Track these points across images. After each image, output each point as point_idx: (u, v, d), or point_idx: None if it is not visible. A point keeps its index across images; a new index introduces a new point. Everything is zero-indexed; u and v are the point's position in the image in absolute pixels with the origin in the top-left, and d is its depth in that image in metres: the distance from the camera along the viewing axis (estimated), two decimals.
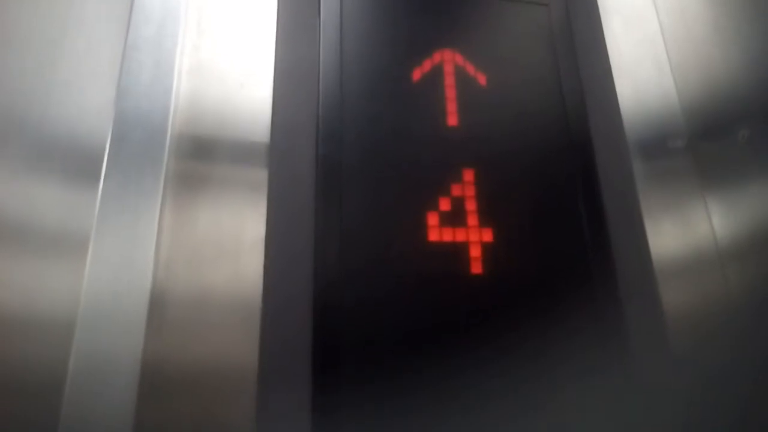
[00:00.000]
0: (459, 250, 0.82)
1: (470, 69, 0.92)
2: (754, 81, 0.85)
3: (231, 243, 0.74)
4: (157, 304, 0.68)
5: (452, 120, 0.88)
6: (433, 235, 0.81)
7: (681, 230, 0.88)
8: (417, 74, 0.89)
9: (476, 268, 0.81)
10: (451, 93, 0.90)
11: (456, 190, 0.84)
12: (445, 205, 0.83)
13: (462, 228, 0.83)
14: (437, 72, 0.90)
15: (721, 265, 0.85)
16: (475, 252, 0.82)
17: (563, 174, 0.88)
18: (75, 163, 0.72)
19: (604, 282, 0.83)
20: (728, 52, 0.90)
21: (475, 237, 0.83)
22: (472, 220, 0.83)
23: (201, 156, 0.78)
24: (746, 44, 0.88)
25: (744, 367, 0.78)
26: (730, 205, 0.86)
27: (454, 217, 0.83)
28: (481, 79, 0.91)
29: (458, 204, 0.84)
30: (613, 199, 0.87)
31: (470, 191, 0.84)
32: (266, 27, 0.87)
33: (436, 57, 0.91)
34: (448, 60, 0.91)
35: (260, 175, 0.78)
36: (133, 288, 0.67)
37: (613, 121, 0.93)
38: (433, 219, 0.82)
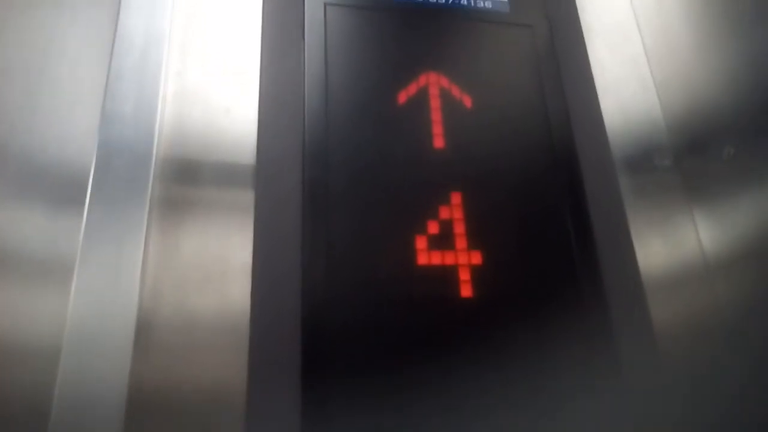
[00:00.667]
0: (448, 274, 0.84)
1: (456, 91, 0.96)
2: (737, 98, 0.90)
3: (218, 266, 0.77)
4: (144, 329, 0.71)
5: (438, 142, 0.92)
6: (422, 259, 0.84)
7: (669, 246, 0.92)
8: (403, 97, 0.93)
9: (466, 291, 0.84)
10: (437, 115, 0.93)
11: (444, 213, 0.87)
12: (433, 228, 0.86)
13: (450, 251, 0.86)
14: (423, 95, 0.94)
15: (709, 279, 0.89)
16: (464, 275, 0.85)
17: (550, 194, 0.92)
18: (59, 189, 0.75)
19: (593, 300, 0.86)
20: (711, 70, 0.95)
21: (464, 260, 0.85)
22: (461, 243, 0.86)
23: (186, 180, 0.81)
24: (728, 62, 0.92)
25: (733, 378, 0.82)
26: (718, 220, 0.91)
27: (443, 240, 0.86)
28: (467, 101, 0.96)
29: (446, 227, 0.87)
30: (601, 217, 0.91)
31: (458, 214, 0.87)
32: (250, 51, 0.91)
33: (422, 80, 0.95)
34: (434, 82, 0.95)
35: (246, 199, 0.81)
36: (119, 313, 0.70)
37: (599, 140, 0.97)
38: (421, 242, 0.85)
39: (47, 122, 0.79)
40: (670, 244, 0.92)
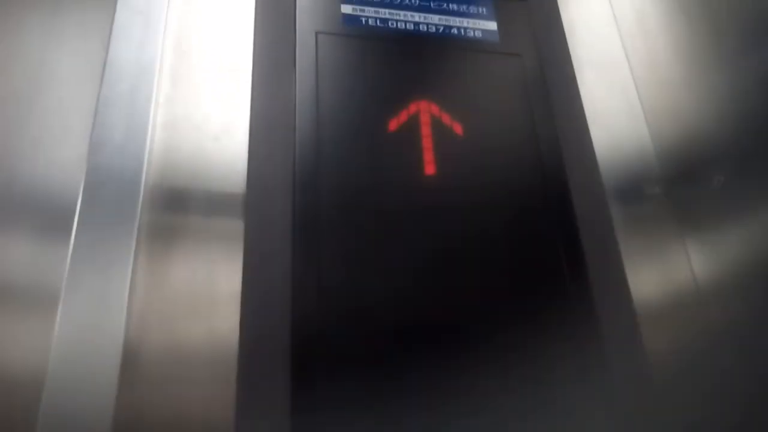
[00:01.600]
0: None
1: (446, 119, 0.97)
2: (726, 126, 0.92)
3: (206, 296, 0.77)
4: (130, 359, 0.70)
5: (430, 169, 0.93)
6: None
7: (661, 274, 0.93)
8: (393, 124, 0.95)
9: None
10: (427, 143, 0.95)
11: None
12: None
13: None
14: (414, 122, 0.96)
15: (701, 307, 0.90)
16: None
17: (542, 222, 0.94)
18: (46, 217, 0.75)
19: (586, 329, 0.86)
20: (699, 99, 0.98)
21: None
22: None
23: (175, 208, 0.82)
24: (716, 91, 0.95)
25: (727, 404, 0.82)
26: (709, 247, 0.92)
27: None
28: (458, 129, 0.97)
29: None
30: (593, 246, 0.92)
31: (450, 243, 0.88)
32: (242, 79, 0.93)
33: (412, 107, 0.97)
34: (424, 110, 0.97)
35: (236, 227, 0.82)
36: (105, 343, 0.70)
37: (590, 169, 0.99)
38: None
39: (36, 150, 0.79)
40: (662, 272, 0.94)
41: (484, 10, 1.11)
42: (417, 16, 1.06)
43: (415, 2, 1.08)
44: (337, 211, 0.86)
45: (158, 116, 0.87)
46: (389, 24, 1.04)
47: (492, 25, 1.09)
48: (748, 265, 0.86)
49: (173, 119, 0.88)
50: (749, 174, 0.87)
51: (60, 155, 0.81)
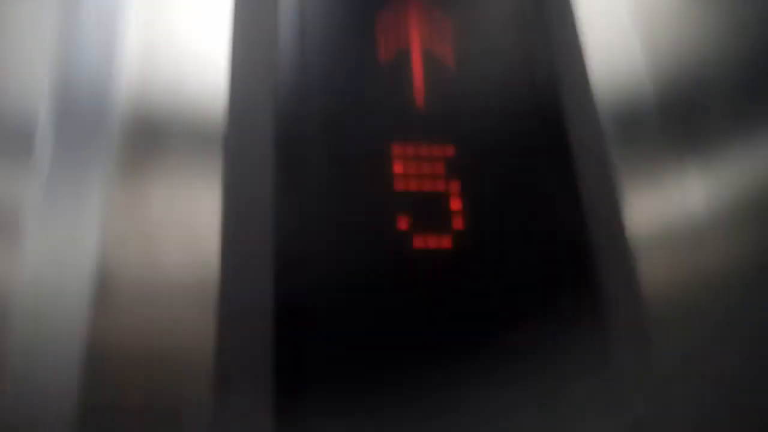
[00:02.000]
0: None
1: (437, 48, 0.94)
2: (723, 55, 0.89)
3: (185, 222, 0.74)
4: (104, 288, 0.68)
5: (420, 99, 0.90)
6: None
7: (659, 203, 0.90)
8: (383, 54, 0.92)
9: (446, 243, 0.82)
10: (418, 72, 0.92)
11: (425, 169, 0.86)
12: (413, 185, 0.85)
13: None
14: (405, 52, 0.93)
15: (701, 237, 0.88)
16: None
17: (536, 150, 0.91)
18: (13, 140, 0.72)
19: (580, 261, 0.85)
20: (698, 28, 0.94)
21: None
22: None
23: (153, 132, 0.79)
24: (715, 21, 0.92)
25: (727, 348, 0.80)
26: (709, 176, 0.90)
27: None
28: (449, 61, 0.94)
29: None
30: (588, 173, 0.90)
31: (439, 170, 0.86)
32: (223, 3, 0.89)
33: (404, 36, 0.94)
34: (416, 39, 0.94)
35: (216, 151, 0.79)
36: (76, 271, 0.68)
37: (586, 97, 0.96)
38: None
39: (3, 72, 0.76)
40: (660, 200, 0.91)
41: None
42: None
43: None
44: (322, 137, 0.84)
45: (136, 39, 0.84)
46: None
47: None
48: (746, 190, 0.83)
49: (151, 42, 0.84)
50: (747, 98, 0.84)
51: (31, 77, 0.77)
